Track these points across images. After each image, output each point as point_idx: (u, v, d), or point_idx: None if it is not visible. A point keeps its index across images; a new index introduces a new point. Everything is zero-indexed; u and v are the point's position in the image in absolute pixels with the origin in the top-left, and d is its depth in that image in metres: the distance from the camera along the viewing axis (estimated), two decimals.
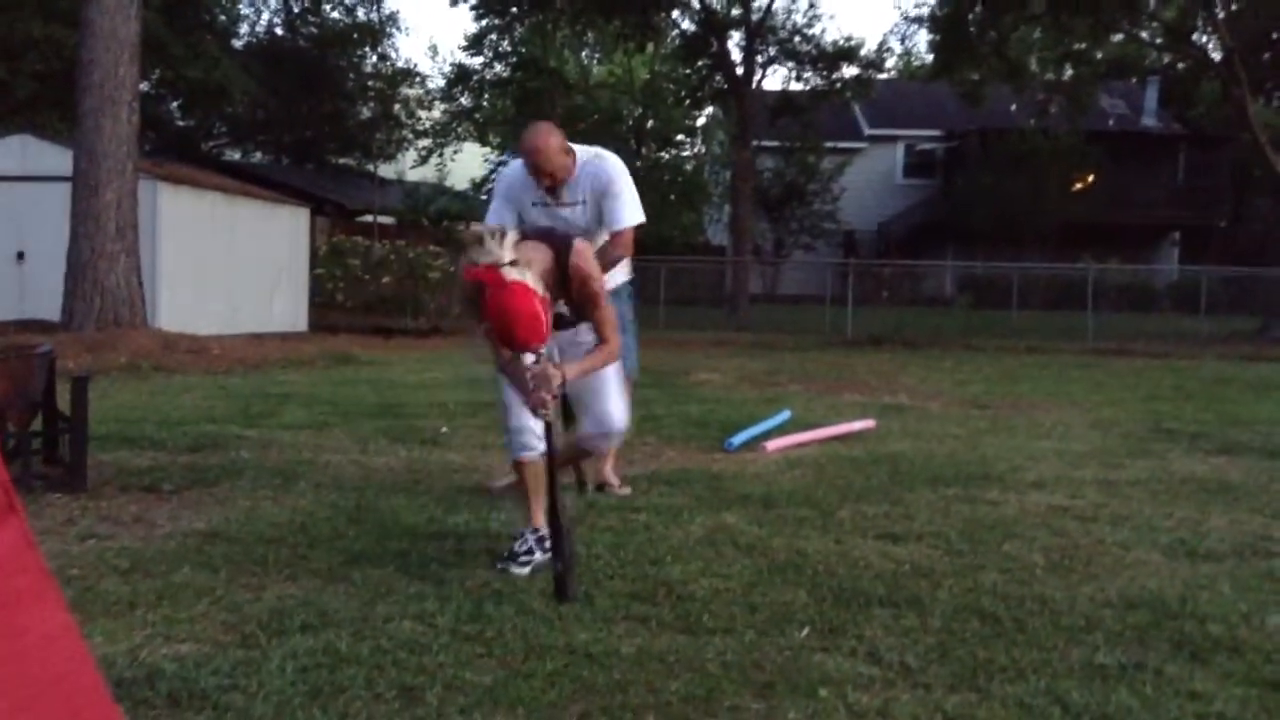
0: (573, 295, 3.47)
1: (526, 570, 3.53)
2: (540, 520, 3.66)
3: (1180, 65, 28.26)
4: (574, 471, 4.74)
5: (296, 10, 29.99)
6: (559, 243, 3.45)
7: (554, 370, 3.33)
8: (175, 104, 28.27)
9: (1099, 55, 26.42)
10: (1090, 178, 30.27)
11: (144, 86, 19.06)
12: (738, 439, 6.34)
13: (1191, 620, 3.16)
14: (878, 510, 4.61)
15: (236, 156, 30.28)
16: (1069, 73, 26.96)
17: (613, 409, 3.75)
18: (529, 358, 3.28)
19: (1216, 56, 23.86)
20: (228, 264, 16.05)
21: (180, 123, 28.90)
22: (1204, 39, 25.10)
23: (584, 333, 3.63)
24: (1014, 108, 29.09)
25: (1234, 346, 17.86)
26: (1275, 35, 22.47)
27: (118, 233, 11.79)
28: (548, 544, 3.51)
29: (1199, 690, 2.62)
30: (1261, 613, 3.24)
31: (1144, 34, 25.48)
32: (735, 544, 3.96)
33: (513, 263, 3.17)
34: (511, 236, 3.26)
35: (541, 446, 3.55)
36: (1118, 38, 25.90)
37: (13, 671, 1.13)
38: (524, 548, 3.61)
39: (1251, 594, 3.45)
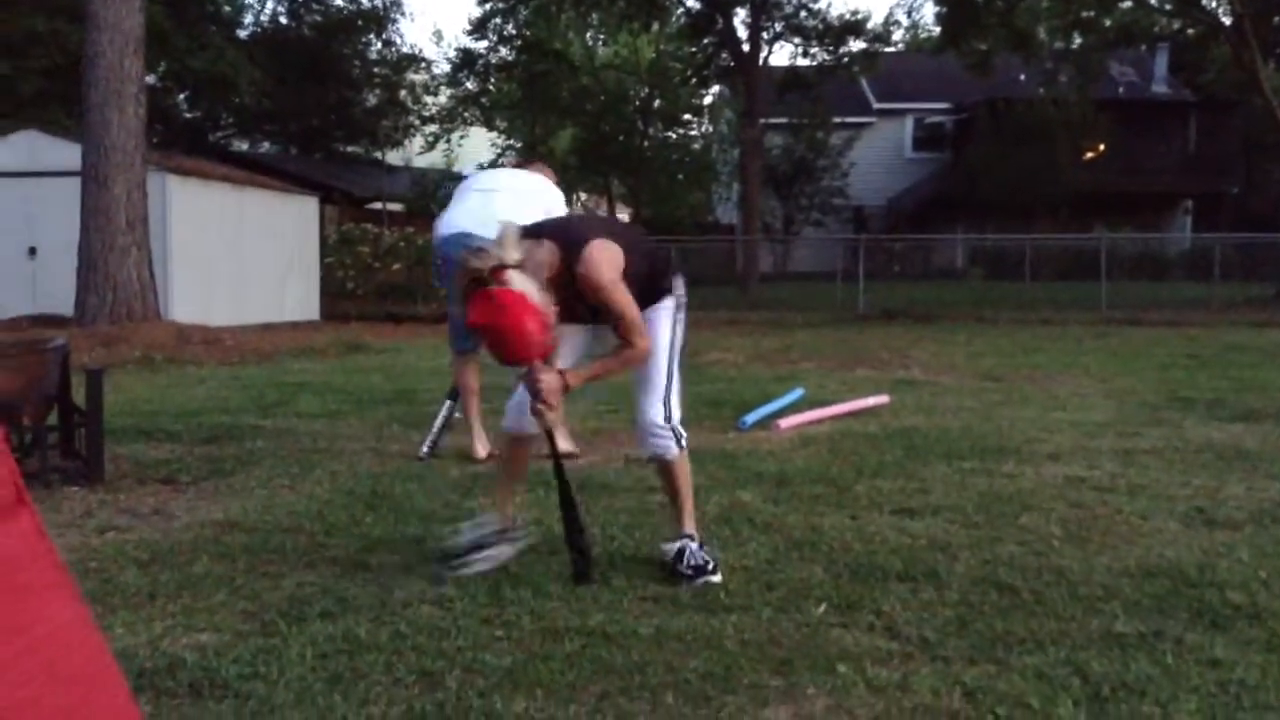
0: (587, 300, 3.20)
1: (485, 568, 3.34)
2: (507, 514, 3.52)
3: (1190, 31, 27.99)
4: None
5: None
6: (570, 247, 3.15)
7: (552, 377, 3.15)
8: (182, 96, 28.28)
9: (1107, 22, 26.18)
10: (1101, 147, 30.05)
11: (150, 79, 19.05)
12: (751, 418, 6.33)
13: (1210, 588, 3.15)
14: (893, 485, 4.61)
15: (244, 147, 30.29)
16: (1077, 41, 26.72)
17: (646, 409, 3.38)
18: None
19: (1226, 21, 23.63)
20: (238, 255, 16.09)
21: (187, 115, 28.91)
22: (1213, 3, 24.85)
23: (608, 331, 3.33)
24: (1022, 77, 28.87)
25: (1248, 313, 17.75)
26: None
27: (128, 226, 11.81)
28: (515, 534, 3.50)
29: (1219, 658, 2.62)
30: None
31: (1153, 0, 25.25)
32: (751, 522, 3.96)
33: (518, 265, 3.00)
34: (514, 232, 3.07)
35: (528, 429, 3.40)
36: (1126, 4, 25.66)
37: (26, 664, 1.13)
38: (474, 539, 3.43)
39: (1270, 561, 3.43)
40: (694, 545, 3.35)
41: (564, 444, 5.16)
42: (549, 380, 3.15)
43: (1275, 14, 23.22)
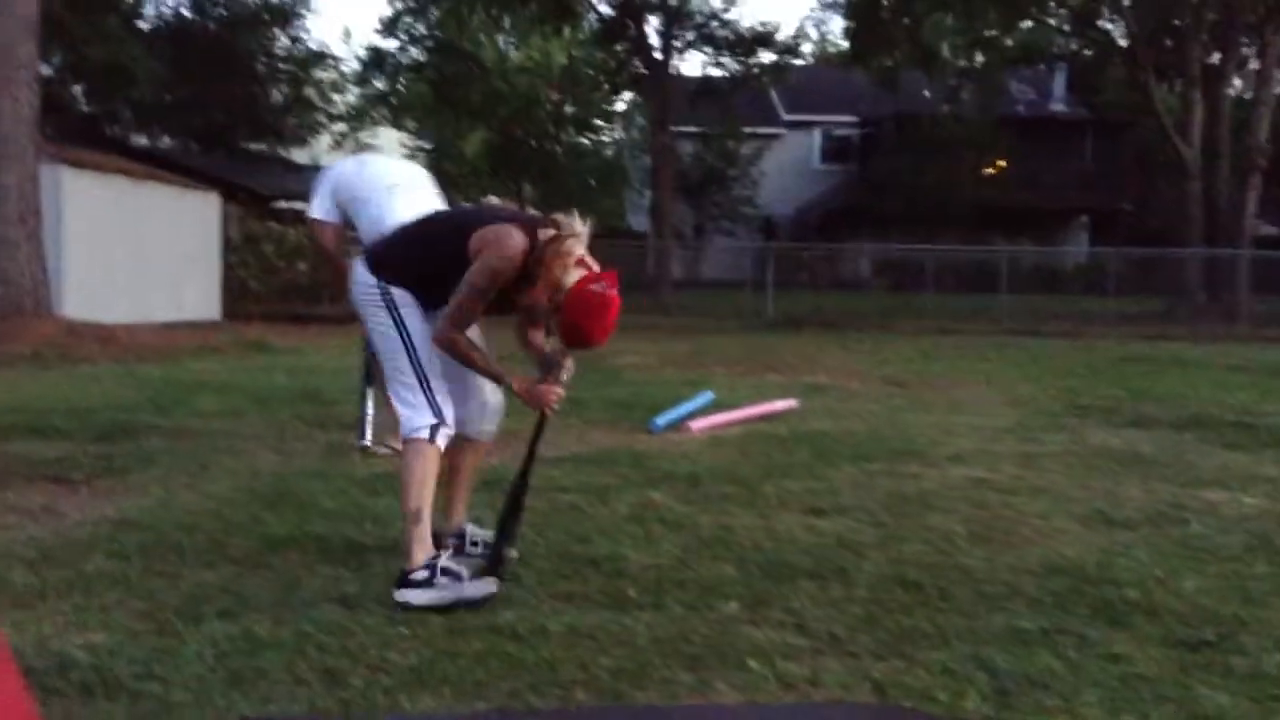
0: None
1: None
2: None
3: (1087, 51, 28.87)
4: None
5: None
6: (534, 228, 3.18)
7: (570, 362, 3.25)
8: (78, 88, 27.42)
9: (1009, 41, 26.87)
10: (1001, 162, 30.82)
11: (46, 70, 18.44)
12: (662, 420, 6.33)
13: (1110, 586, 3.22)
14: (802, 486, 4.64)
15: (144, 142, 29.47)
16: (980, 59, 27.38)
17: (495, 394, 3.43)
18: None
19: (1122, 43, 24.41)
20: (135, 251, 15.61)
21: (84, 108, 28.04)
22: (1109, 26, 25.64)
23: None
24: (927, 94, 29.47)
25: (1141, 326, 18.33)
26: (1177, 22, 23.03)
27: (19, 219, 11.37)
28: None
29: (1119, 653, 2.68)
30: (1176, 577, 3.32)
31: (1051, 20, 25.97)
32: (662, 521, 3.95)
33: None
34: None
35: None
36: (1027, 24, 26.37)
37: None
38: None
39: (1166, 559, 3.53)
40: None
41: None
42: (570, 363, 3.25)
43: (1167, 36, 24.02)
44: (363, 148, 33.86)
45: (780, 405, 7.17)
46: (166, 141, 30.18)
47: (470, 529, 3.51)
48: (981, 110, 28.39)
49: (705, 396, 7.31)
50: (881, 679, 2.50)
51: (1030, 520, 4.08)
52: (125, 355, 10.53)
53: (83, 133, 25.18)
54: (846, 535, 3.79)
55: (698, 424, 6.30)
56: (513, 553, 3.32)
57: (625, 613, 2.93)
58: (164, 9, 29.64)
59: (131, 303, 14.80)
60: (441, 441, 3.16)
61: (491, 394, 3.39)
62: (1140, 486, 4.75)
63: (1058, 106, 33.24)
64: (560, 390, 3.24)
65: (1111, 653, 2.68)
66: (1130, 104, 27.70)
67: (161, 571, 3.25)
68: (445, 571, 3.01)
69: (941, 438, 6.08)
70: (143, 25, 28.05)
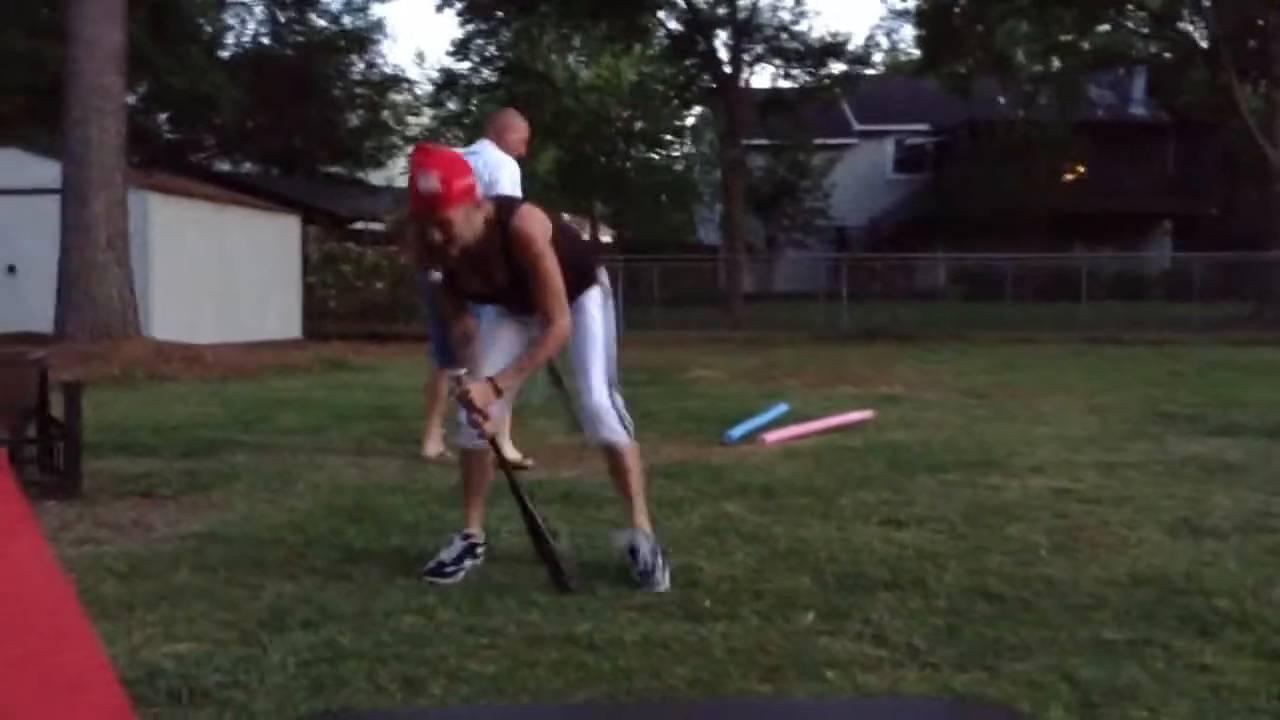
0: (514, 262, 3.20)
1: (457, 580, 3.32)
2: (474, 525, 3.50)
3: (1167, 54, 28.28)
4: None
5: (282, 19, 29.96)
6: (505, 205, 3.27)
7: (481, 388, 3.18)
8: (163, 117, 28.22)
9: (1086, 45, 26.43)
10: (1080, 168, 30.27)
11: (131, 99, 19.00)
12: (736, 432, 6.31)
13: (1198, 595, 3.14)
14: (878, 497, 4.59)
15: (226, 168, 30.22)
16: (1056, 64, 26.95)
17: (590, 391, 3.40)
18: (461, 371, 3.23)
19: (1203, 45, 23.88)
20: (219, 273, 16.01)
21: (169, 136, 28.85)
22: (1190, 27, 25.10)
23: (535, 326, 3.34)
24: (1002, 100, 29.09)
25: (1227, 332, 17.87)
26: (1260, 22, 22.46)
27: (108, 243, 11.73)
28: (480, 550, 3.48)
29: (1209, 663, 2.61)
30: (1268, 587, 3.23)
31: (1130, 23, 25.50)
32: (737, 532, 3.94)
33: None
34: None
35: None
36: (1104, 28, 25.91)
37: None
38: (451, 555, 3.40)
39: (1257, 568, 3.43)
40: (646, 544, 3.36)
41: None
42: (478, 389, 3.19)
43: (1250, 37, 23.44)
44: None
45: (855, 416, 7.11)
46: (248, 166, 30.94)
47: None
48: (1059, 115, 27.90)
49: (779, 408, 7.29)
50: (963, 690, 2.46)
51: (1115, 530, 3.99)
52: (211, 374, 10.78)
53: (168, 159, 25.94)
54: (925, 546, 3.74)
55: (772, 436, 6.28)
56: (571, 575, 3.29)
57: (701, 623, 2.92)
58: (244, 38, 30.40)
59: (216, 323, 15.18)
60: (458, 440, 3.52)
61: (597, 397, 3.39)
62: (1228, 495, 4.62)
63: (1138, 110, 32.59)
64: (485, 416, 3.21)
65: (1201, 663, 2.61)
66: (1212, 106, 27.08)
67: (245, 584, 3.32)
68: (459, 558, 3.38)
69: (1021, 448, 5.98)
70: (223, 54, 28.79)
